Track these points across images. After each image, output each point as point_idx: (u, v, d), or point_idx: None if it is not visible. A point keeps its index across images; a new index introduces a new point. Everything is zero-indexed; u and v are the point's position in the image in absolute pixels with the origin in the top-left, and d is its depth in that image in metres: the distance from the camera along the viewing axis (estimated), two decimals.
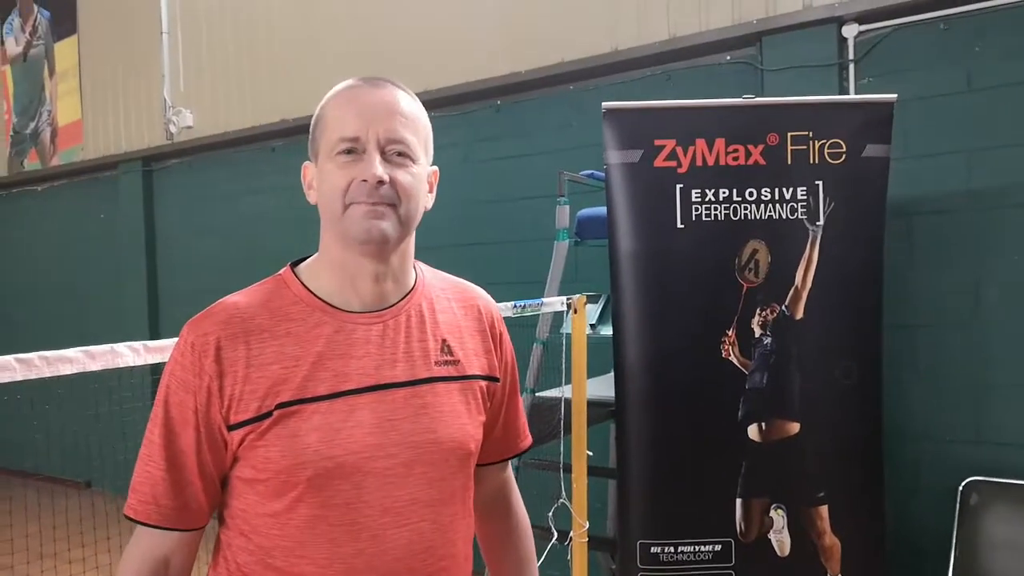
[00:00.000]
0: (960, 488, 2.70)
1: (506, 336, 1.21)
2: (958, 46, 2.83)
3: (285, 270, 1.08)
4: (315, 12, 4.56)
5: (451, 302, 1.14)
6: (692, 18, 3.35)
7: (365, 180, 0.98)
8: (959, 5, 2.83)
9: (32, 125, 6.23)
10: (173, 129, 5.16)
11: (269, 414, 0.98)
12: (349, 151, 1.00)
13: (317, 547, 0.98)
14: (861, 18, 2.99)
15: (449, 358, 1.09)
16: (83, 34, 5.80)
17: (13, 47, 6.34)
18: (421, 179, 1.04)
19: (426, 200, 1.08)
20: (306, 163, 1.08)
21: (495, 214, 3.86)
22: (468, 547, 1.12)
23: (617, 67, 3.54)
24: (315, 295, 1.04)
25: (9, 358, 1.02)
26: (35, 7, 6.14)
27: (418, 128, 1.05)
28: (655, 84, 3.45)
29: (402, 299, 1.08)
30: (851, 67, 3.03)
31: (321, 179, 1.03)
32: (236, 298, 1.03)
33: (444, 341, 1.09)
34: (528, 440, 1.27)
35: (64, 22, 5.90)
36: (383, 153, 1.00)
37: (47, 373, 1.05)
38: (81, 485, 5.67)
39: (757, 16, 3.18)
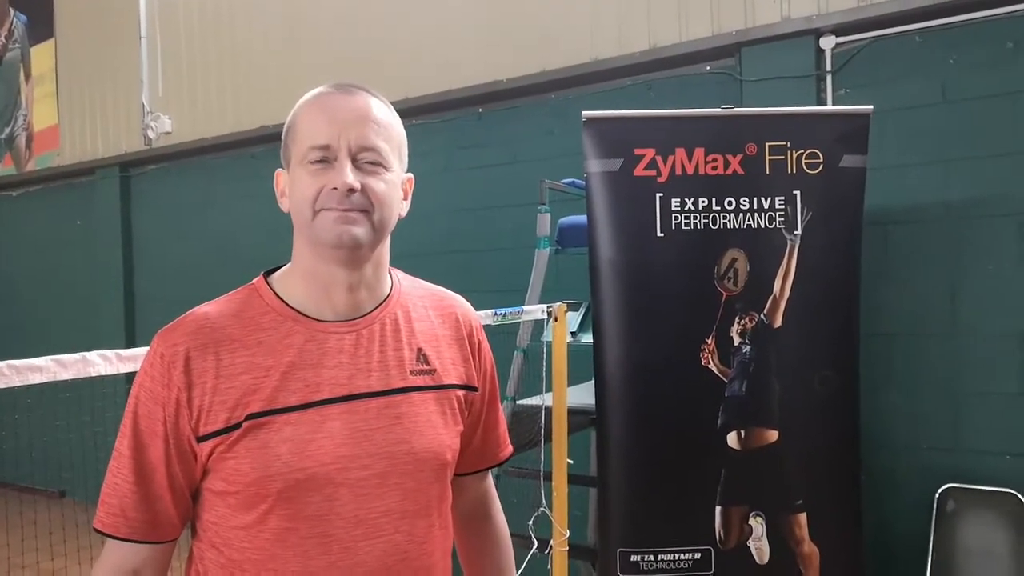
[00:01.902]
0: (937, 495, 2.72)
1: (485, 345, 1.19)
2: (933, 58, 2.88)
3: (258, 279, 1.07)
4: (296, 19, 4.55)
5: (428, 310, 1.13)
6: (672, 28, 3.38)
7: (335, 188, 0.97)
8: (935, 18, 2.88)
9: (7, 130, 6.14)
10: (151, 135, 5.12)
11: (238, 425, 0.96)
12: (321, 159, 0.98)
13: (288, 560, 0.97)
14: (838, 30, 3.03)
15: (425, 367, 1.07)
16: (60, 38, 5.74)
17: None
18: (394, 186, 1.03)
19: (400, 207, 1.07)
20: (279, 170, 1.07)
21: (476, 222, 3.85)
22: (446, 559, 1.10)
23: (598, 76, 3.56)
24: (287, 304, 1.03)
25: None
26: (11, 11, 6.06)
27: (391, 135, 1.03)
28: (636, 93, 3.47)
29: (376, 308, 1.06)
30: (828, 78, 3.07)
31: (292, 187, 1.02)
32: (207, 308, 1.02)
33: (420, 350, 1.07)
34: (508, 450, 1.26)
35: (41, 26, 5.83)
36: (355, 161, 0.99)
37: (16, 382, 1.03)
38: (55, 495, 5.57)
39: (736, 27, 3.22)
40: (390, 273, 1.12)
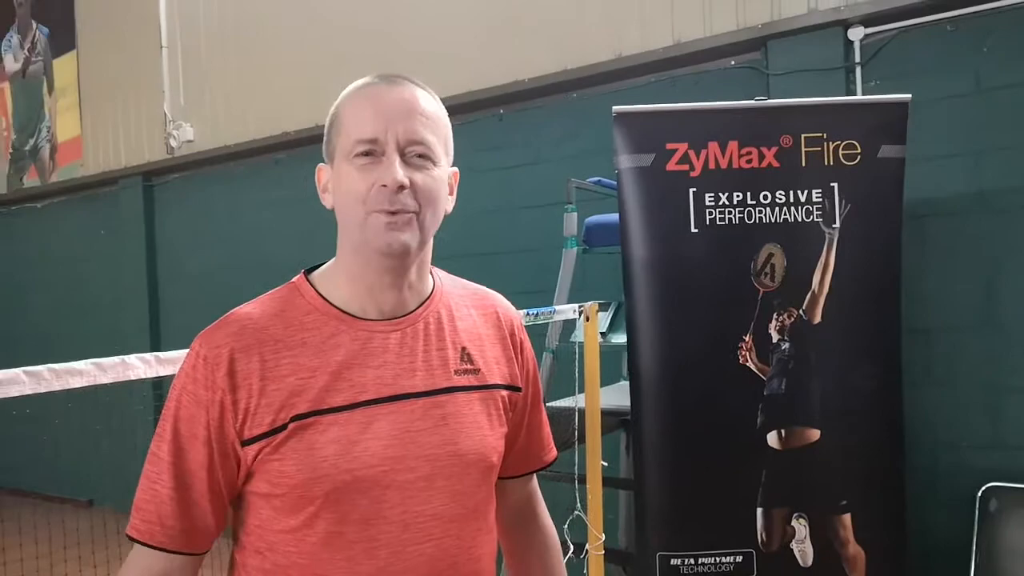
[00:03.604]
0: (979, 494, 2.66)
1: (527, 344, 1.16)
2: (966, 47, 2.82)
3: (299, 278, 1.04)
4: (315, 23, 4.55)
5: (470, 309, 1.10)
6: (696, 23, 3.34)
7: (385, 185, 0.93)
8: (965, 6, 2.82)
9: (31, 142, 6.21)
10: (174, 143, 5.14)
11: (284, 427, 0.93)
12: (367, 153, 0.95)
13: (335, 565, 0.94)
14: (866, 21, 2.98)
15: (469, 367, 1.04)
16: (82, 50, 5.79)
17: (12, 64, 6.33)
18: (442, 182, 1.00)
19: (447, 203, 1.04)
20: (320, 165, 1.04)
21: (500, 223, 3.83)
22: (492, 564, 1.07)
23: (621, 74, 3.53)
24: (330, 303, 1.00)
25: (18, 371, 0.98)
26: (33, 24, 6.13)
27: (439, 128, 1.00)
28: (660, 90, 3.43)
29: (419, 306, 1.04)
30: (858, 70, 3.01)
31: (338, 182, 0.99)
32: (248, 308, 0.99)
33: (464, 349, 1.05)
34: (553, 453, 1.23)
35: (62, 38, 5.88)
36: (403, 155, 0.95)
37: (56, 386, 1.01)
38: (83, 504, 5.60)
39: (762, 20, 3.17)
40: (431, 272, 1.09)
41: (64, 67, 5.91)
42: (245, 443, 0.94)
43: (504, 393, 1.08)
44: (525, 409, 1.15)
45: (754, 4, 3.20)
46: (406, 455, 0.96)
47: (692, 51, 3.32)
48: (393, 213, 0.94)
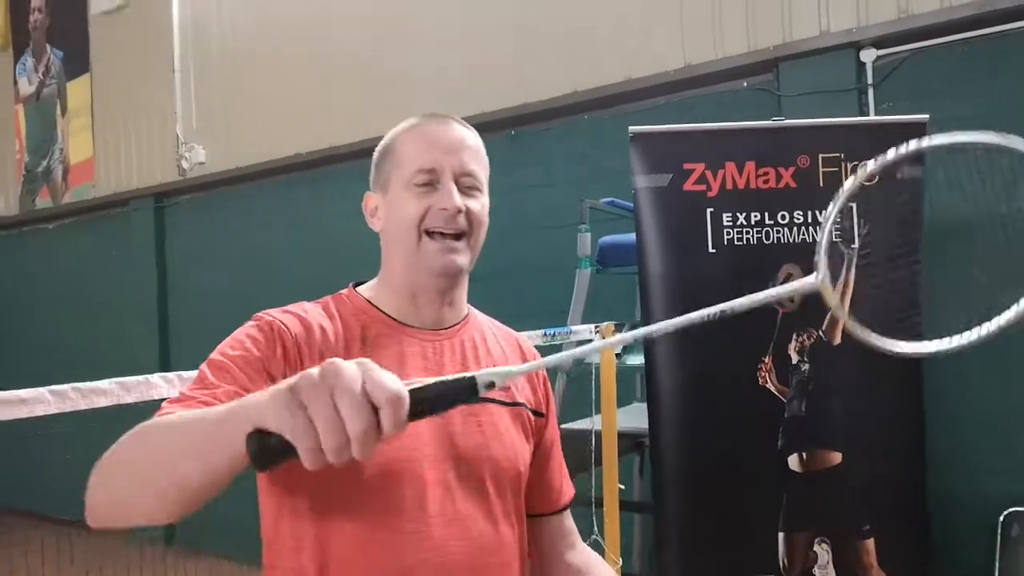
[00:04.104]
0: (1000, 519, 2.61)
1: (548, 382, 1.23)
2: (980, 69, 2.81)
3: (348, 289, 1.13)
4: (327, 46, 4.58)
5: (498, 338, 1.18)
6: (707, 46, 3.35)
7: (444, 208, 1.03)
8: (979, 28, 2.82)
9: (44, 163, 6.25)
10: (185, 165, 5.17)
11: None
12: (427, 183, 1.05)
13: (371, 558, 0.96)
14: (879, 42, 2.98)
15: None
16: (95, 73, 5.84)
17: (26, 87, 6.40)
18: (487, 209, 1.11)
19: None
20: (368, 193, 1.14)
21: (510, 244, 3.82)
22: (523, 570, 1.10)
23: (632, 96, 3.53)
24: (379, 308, 1.08)
25: (43, 390, 0.97)
26: (48, 47, 6.20)
27: (481, 161, 1.11)
28: (671, 111, 3.43)
29: (457, 324, 1.12)
30: (870, 92, 3.01)
31: (393, 208, 1.08)
32: (300, 303, 1.06)
33: None
34: (572, 491, 1.27)
35: (76, 61, 5.95)
36: (457, 184, 1.06)
37: (82, 406, 1.00)
38: (83, 524, 5.55)
39: (773, 43, 3.18)
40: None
41: (77, 90, 5.96)
42: None
43: (530, 415, 1.14)
44: (551, 441, 1.21)
45: (765, 26, 3.21)
46: (444, 456, 1.01)
47: (703, 73, 3.33)
48: (452, 237, 1.04)
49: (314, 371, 0.64)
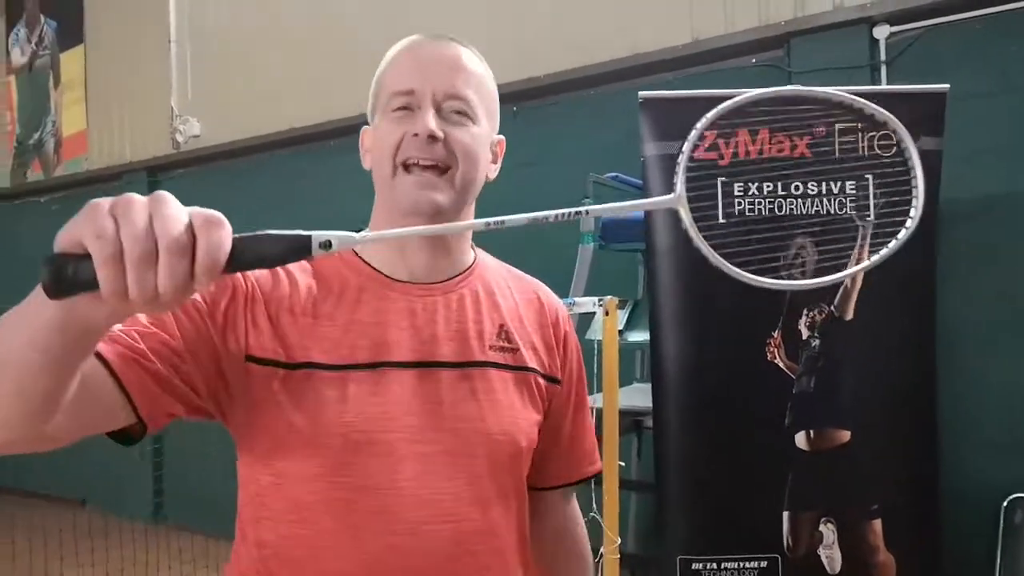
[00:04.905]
0: (1004, 505, 2.57)
1: (572, 339, 1.07)
2: (993, 46, 2.75)
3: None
4: (325, 18, 4.50)
5: (512, 290, 1.04)
6: (717, 20, 3.27)
7: (416, 134, 0.88)
8: (993, 5, 2.75)
9: (36, 136, 6.14)
10: (180, 138, 5.08)
11: (296, 366, 0.86)
12: (404, 107, 0.91)
13: (339, 538, 0.85)
14: (892, 19, 2.92)
15: (507, 344, 0.97)
16: (90, 44, 5.74)
17: (19, 57, 6.28)
18: (482, 141, 0.94)
19: (489, 169, 0.98)
20: (365, 128, 1.01)
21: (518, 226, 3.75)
22: (516, 561, 0.96)
23: (638, 71, 3.46)
24: (362, 259, 0.95)
25: None
26: (42, 18, 6.08)
27: (481, 87, 0.95)
28: (678, 87, 3.36)
29: (457, 276, 0.98)
30: (883, 68, 2.94)
31: (375, 140, 0.95)
32: None
33: (502, 327, 0.98)
34: (597, 465, 1.12)
35: (71, 32, 5.83)
36: (439, 109, 0.91)
37: None
38: (77, 503, 5.50)
39: (785, 18, 3.11)
40: (472, 246, 1.03)
41: (71, 61, 5.85)
42: (252, 359, 0.86)
43: (541, 380, 1.00)
44: (567, 408, 1.06)
45: (777, 1, 3.14)
46: (426, 425, 0.89)
47: (712, 48, 3.26)
48: (429, 169, 0.89)
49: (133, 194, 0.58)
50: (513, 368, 0.97)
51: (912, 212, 0.72)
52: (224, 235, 0.58)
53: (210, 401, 0.87)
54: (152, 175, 5.35)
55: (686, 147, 0.74)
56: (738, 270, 0.73)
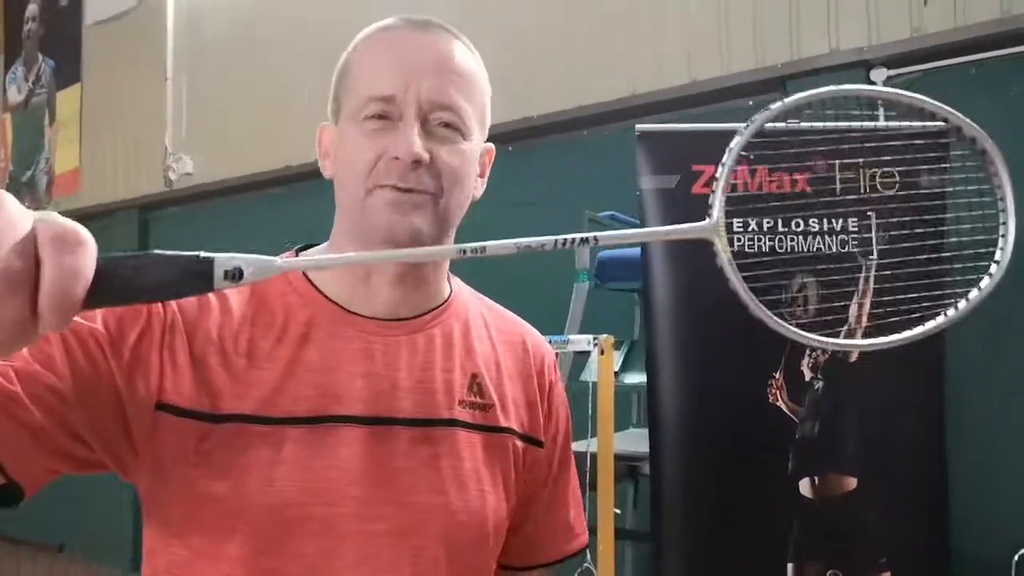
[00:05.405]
0: (1015, 559, 2.47)
1: (559, 390, 0.94)
2: (992, 90, 2.74)
3: (287, 254, 0.85)
4: (321, 59, 4.49)
5: (491, 331, 0.91)
6: (713, 62, 3.28)
7: (397, 157, 0.75)
8: (994, 49, 2.76)
9: (29, 173, 6.12)
10: (172, 176, 5.05)
11: (218, 419, 0.70)
12: (380, 115, 0.77)
13: None
14: (890, 62, 2.91)
15: (478, 400, 0.84)
16: (87, 82, 5.75)
17: (15, 95, 6.30)
18: (471, 160, 0.82)
19: (475, 187, 0.86)
20: (323, 124, 0.88)
21: (506, 259, 3.69)
22: None
23: (634, 111, 3.44)
24: (315, 287, 0.81)
25: None
26: (40, 56, 6.11)
27: (474, 92, 0.83)
28: None
29: (427, 313, 0.84)
30: (881, 111, 2.93)
31: (340, 147, 0.82)
32: None
33: (475, 376, 0.85)
34: (580, 540, 0.98)
35: (68, 71, 5.86)
36: (424, 121, 0.77)
37: None
38: (53, 549, 5.31)
39: (781, 60, 3.11)
40: (449, 278, 0.90)
41: (67, 99, 5.86)
42: (164, 407, 0.70)
43: (519, 443, 0.86)
44: (547, 477, 0.92)
45: (773, 43, 3.15)
46: (375, 498, 0.74)
47: (709, 90, 3.26)
48: (404, 191, 0.76)
49: None
50: (484, 429, 0.83)
51: (999, 256, 0.62)
52: (81, 258, 0.45)
53: (107, 456, 0.72)
54: (143, 213, 5.31)
55: (727, 161, 0.62)
56: (782, 322, 0.61)
